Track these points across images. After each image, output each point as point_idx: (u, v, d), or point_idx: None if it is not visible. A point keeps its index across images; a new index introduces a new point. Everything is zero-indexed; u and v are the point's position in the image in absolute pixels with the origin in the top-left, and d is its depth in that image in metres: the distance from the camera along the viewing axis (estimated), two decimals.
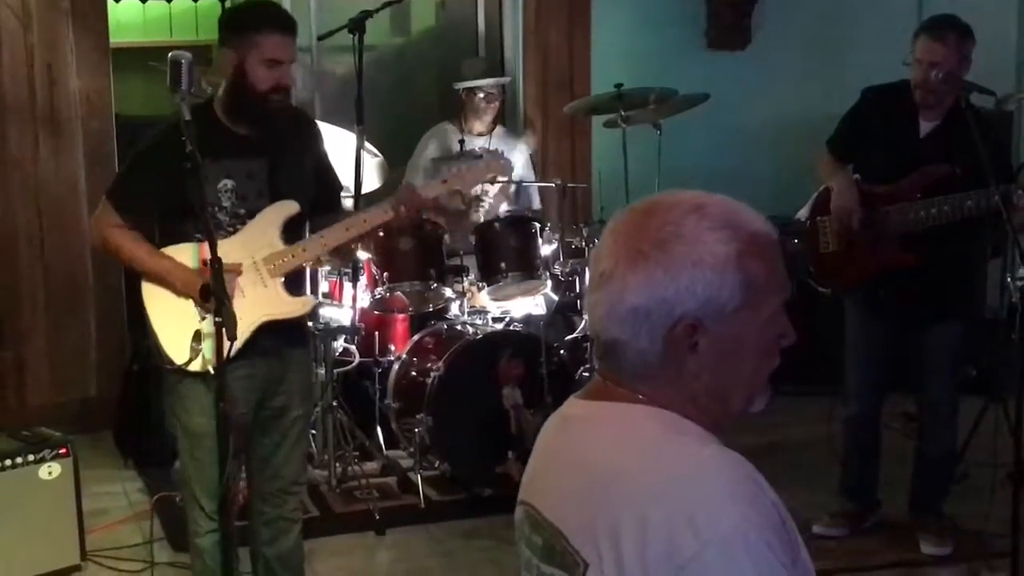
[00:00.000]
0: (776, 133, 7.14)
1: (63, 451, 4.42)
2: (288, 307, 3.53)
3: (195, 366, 3.39)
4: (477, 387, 5.06)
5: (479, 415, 5.06)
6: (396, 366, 5.36)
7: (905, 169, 4.39)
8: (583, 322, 5.63)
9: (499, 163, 4.02)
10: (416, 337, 5.41)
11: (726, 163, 6.84)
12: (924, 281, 4.36)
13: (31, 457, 4.35)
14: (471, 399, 5.07)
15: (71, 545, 4.45)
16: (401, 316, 5.59)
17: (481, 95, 5.98)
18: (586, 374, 5.47)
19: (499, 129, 6.17)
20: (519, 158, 6.18)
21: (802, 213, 4.73)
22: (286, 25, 3.43)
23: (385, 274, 5.18)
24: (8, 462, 4.30)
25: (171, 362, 3.42)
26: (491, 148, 5.89)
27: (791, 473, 5.30)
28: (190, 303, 3.40)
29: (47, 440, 4.44)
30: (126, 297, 6.09)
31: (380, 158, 5.63)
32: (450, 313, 5.49)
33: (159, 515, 5.00)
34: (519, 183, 6.06)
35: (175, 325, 3.42)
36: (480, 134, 6.03)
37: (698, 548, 1.47)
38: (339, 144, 5.24)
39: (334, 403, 5.15)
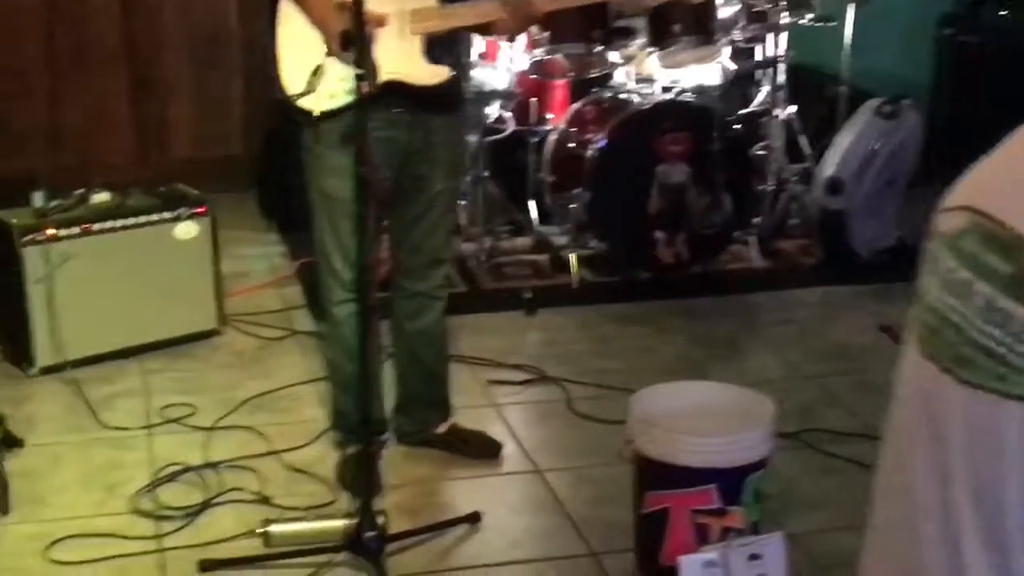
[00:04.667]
0: None
1: (201, 210, 4.19)
2: (420, 72, 3.14)
3: (307, 103, 3.05)
4: (639, 162, 4.65)
5: (640, 193, 4.66)
6: (553, 136, 4.96)
7: None
8: (760, 94, 5.13)
9: None
10: (576, 105, 4.98)
11: None
12: None
13: (167, 215, 4.13)
14: (632, 175, 4.66)
15: (208, 309, 4.26)
16: (560, 82, 5.13)
17: None
18: (761, 152, 5.00)
19: None
20: None
21: None
22: None
23: (545, 34, 4.73)
24: (143, 219, 4.09)
25: (284, 90, 3.08)
26: None
27: None
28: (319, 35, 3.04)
29: (184, 198, 4.20)
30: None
31: None
32: (614, 80, 5.04)
33: (301, 282, 4.81)
34: None
35: (300, 53, 3.06)
36: None
37: None
38: None
39: (485, 173, 4.79)
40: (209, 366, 4.11)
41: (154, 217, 4.10)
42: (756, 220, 5.00)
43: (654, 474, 2.89)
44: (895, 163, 4.97)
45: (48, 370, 3.98)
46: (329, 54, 2.98)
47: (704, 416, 2.94)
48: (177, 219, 4.13)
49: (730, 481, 2.84)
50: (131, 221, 4.06)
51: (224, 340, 4.28)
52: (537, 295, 4.59)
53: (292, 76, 3.07)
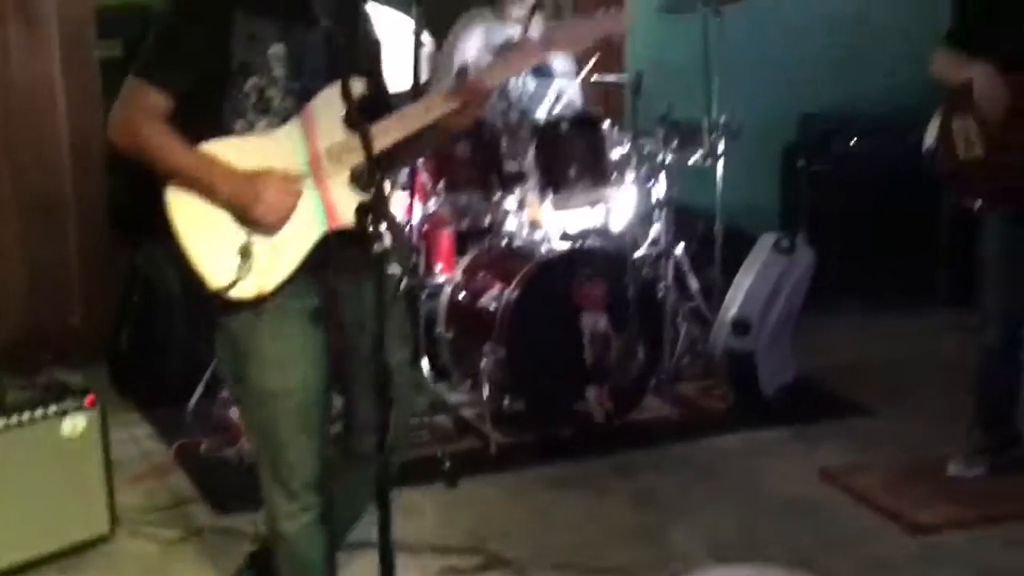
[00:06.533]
0: (823, 19, 6.50)
1: (89, 401, 3.65)
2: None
3: (243, 291, 2.66)
4: (554, 313, 4.39)
5: (557, 345, 4.39)
6: (448, 289, 4.64)
7: None
8: (652, 234, 4.95)
9: (615, 18, 2.98)
10: (470, 256, 4.69)
11: (773, 55, 6.19)
12: None
13: (53, 409, 3.57)
14: (548, 327, 4.38)
15: (100, 511, 3.71)
16: (446, 231, 4.85)
17: None
18: (660, 294, 4.80)
19: (538, 16, 5.39)
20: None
21: (928, 141, 4.03)
22: None
23: (441, 182, 4.46)
24: (25, 416, 3.52)
25: (209, 287, 2.66)
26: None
27: (906, 398, 4.87)
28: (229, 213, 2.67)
29: (68, 388, 3.66)
30: (112, 212, 5.33)
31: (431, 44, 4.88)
32: (505, 228, 4.78)
33: (184, 468, 4.30)
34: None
35: (214, 240, 2.66)
36: (518, 20, 5.24)
37: None
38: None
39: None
40: None
41: (38, 413, 3.54)
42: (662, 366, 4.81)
43: None
44: (794, 298, 4.88)
45: None
46: (248, 231, 2.65)
47: None
48: (63, 413, 3.59)
49: None
50: (13, 420, 3.49)
51: (117, 547, 3.72)
52: (453, 463, 4.22)
53: (212, 268, 2.66)
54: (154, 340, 4.81)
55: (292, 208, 2.66)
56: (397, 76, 4.56)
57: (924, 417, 4.63)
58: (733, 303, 4.80)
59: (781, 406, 4.77)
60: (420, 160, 4.39)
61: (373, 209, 2.34)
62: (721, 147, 5.12)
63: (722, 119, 5.12)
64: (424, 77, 4.78)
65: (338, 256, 2.73)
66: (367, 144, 2.50)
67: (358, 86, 2.72)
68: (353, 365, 2.87)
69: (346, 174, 2.75)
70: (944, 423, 4.40)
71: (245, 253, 2.65)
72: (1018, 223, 3.92)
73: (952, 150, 3.90)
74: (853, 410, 4.78)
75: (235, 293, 2.65)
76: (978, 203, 3.95)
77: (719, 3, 5.11)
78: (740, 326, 4.72)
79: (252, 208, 2.64)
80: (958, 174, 3.95)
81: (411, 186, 4.28)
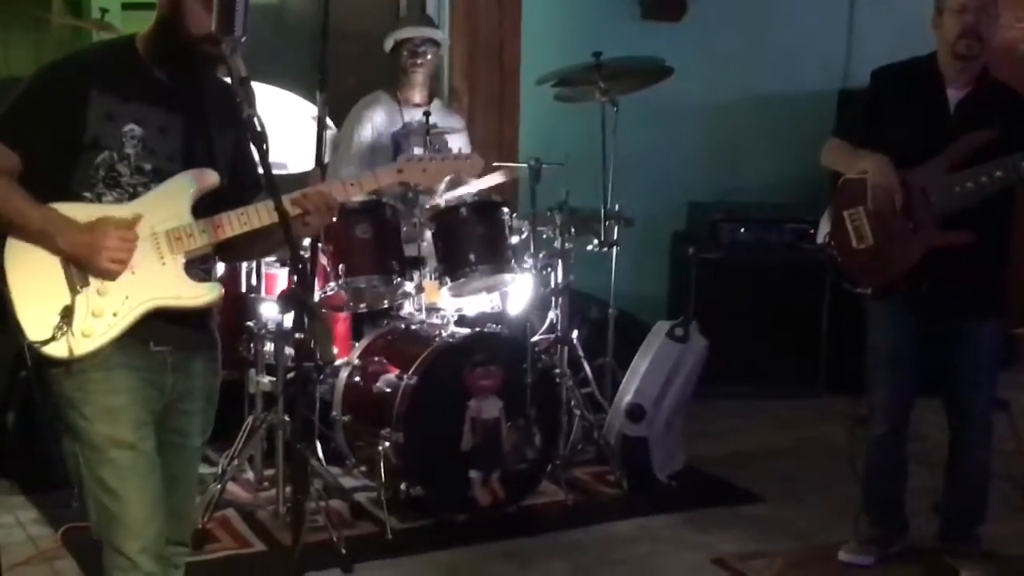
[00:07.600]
0: (712, 110, 6.70)
1: None
2: (188, 293, 2.79)
3: (56, 349, 2.67)
4: (452, 399, 4.39)
5: (454, 431, 4.39)
6: (344, 373, 4.62)
7: (936, 149, 3.93)
8: (549, 320, 5.01)
9: (469, 160, 3.24)
10: (367, 340, 4.69)
11: (657, 141, 6.35)
12: (966, 268, 3.90)
13: None
14: (446, 413, 4.38)
15: None
16: (342, 315, 4.85)
17: (409, 50, 5.23)
18: (557, 380, 4.85)
19: (436, 103, 5.47)
20: (459, 136, 5.48)
21: (823, 232, 4.16)
22: None
23: (341, 266, 4.45)
24: None
25: (26, 336, 2.66)
26: (430, 124, 5.14)
27: (795, 484, 4.94)
28: (60, 269, 2.70)
29: None
30: None
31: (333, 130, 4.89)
32: (403, 311, 4.79)
33: (73, 553, 4.18)
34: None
35: (39, 293, 2.69)
36: (417, 105, 5.31)
37: None
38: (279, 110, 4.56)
39: (286, 417, 4.37)
40: None
41: None
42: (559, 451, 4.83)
43: None
44: (687, 385, 4.97)
45: None
46: (76, 290, 2.68)
47: None
48: None
49: None
50: None
51: None
52: (349, 548, 4.18)
53: (32, 319, 2.68)
54: (41, 420, 4.68)
55: (129, 256, 2.69)
56: (298, 157, 4.65)
57: (813, 503, 4.73)
58: (628, 389, 4.86)
59: (674, 492, 4.83)
60: (320, 244, 4.39)
61: (297, 299, 2.35)
62: (615, 235, 5.22)
63: (616, 207, 5.22)
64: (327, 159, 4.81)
65: (161, 329, 2.78)
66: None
67: (212, 177, 2.80)
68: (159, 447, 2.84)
69: (182, 258, 2.78)
70: (833, 509, 4.51)
71: (66, 314, 2.67)
72: (907, 311, 4.05)
73: (845, 240, 4.04)
74: (744, 496, 4.85)
75: (48, 350, 2.67)
76: (869, 291, 4.08)
77: (616, 92, 5.23)
78: (635, 412, 4.79)
79: (93, 258, 2.67)
80: (851, 264, 4.08)
81: (312, 269, 4.27)
